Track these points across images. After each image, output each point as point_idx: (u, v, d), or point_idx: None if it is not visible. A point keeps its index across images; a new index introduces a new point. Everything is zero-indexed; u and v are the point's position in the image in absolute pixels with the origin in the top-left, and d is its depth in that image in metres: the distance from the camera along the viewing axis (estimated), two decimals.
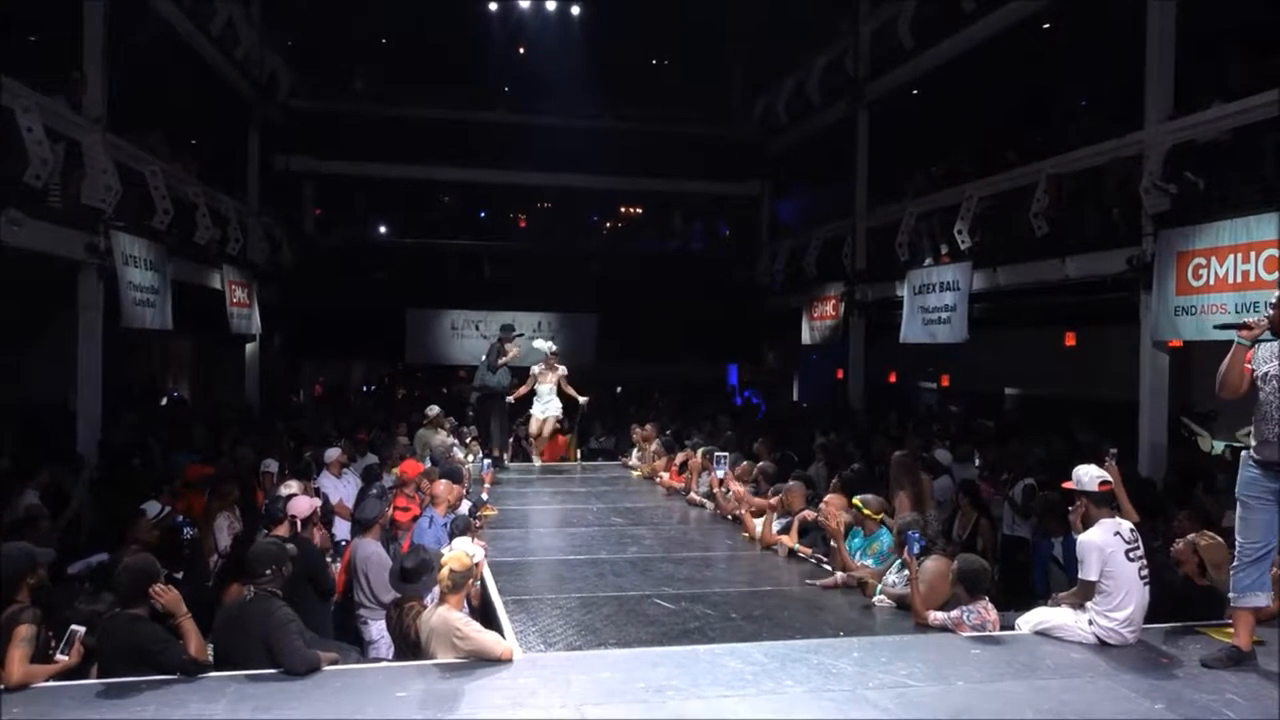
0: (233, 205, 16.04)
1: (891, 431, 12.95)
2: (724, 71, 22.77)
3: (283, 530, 6.12)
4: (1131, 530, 5.06)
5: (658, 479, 10.95)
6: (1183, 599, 5.43)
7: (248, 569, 4.93)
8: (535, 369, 11.93)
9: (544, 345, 12.23)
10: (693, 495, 9.71)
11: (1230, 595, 4.74)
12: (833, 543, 6.61)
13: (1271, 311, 4.51)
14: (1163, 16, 10.13)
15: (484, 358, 12.06)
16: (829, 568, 6.70)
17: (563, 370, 11.97)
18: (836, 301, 17.15)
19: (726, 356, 24.07)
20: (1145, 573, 4.99)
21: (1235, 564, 4.70)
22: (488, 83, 22.05)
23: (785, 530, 7.50)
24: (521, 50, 21.42)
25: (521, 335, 12.60)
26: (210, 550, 7.35)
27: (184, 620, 4.56)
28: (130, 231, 11.23)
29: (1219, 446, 10.91)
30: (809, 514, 7.35)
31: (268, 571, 4.80)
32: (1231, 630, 5.09)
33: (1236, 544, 4.71)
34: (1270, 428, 4.50)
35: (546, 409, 11.86)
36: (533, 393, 11.90)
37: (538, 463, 12.25)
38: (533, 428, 12.10)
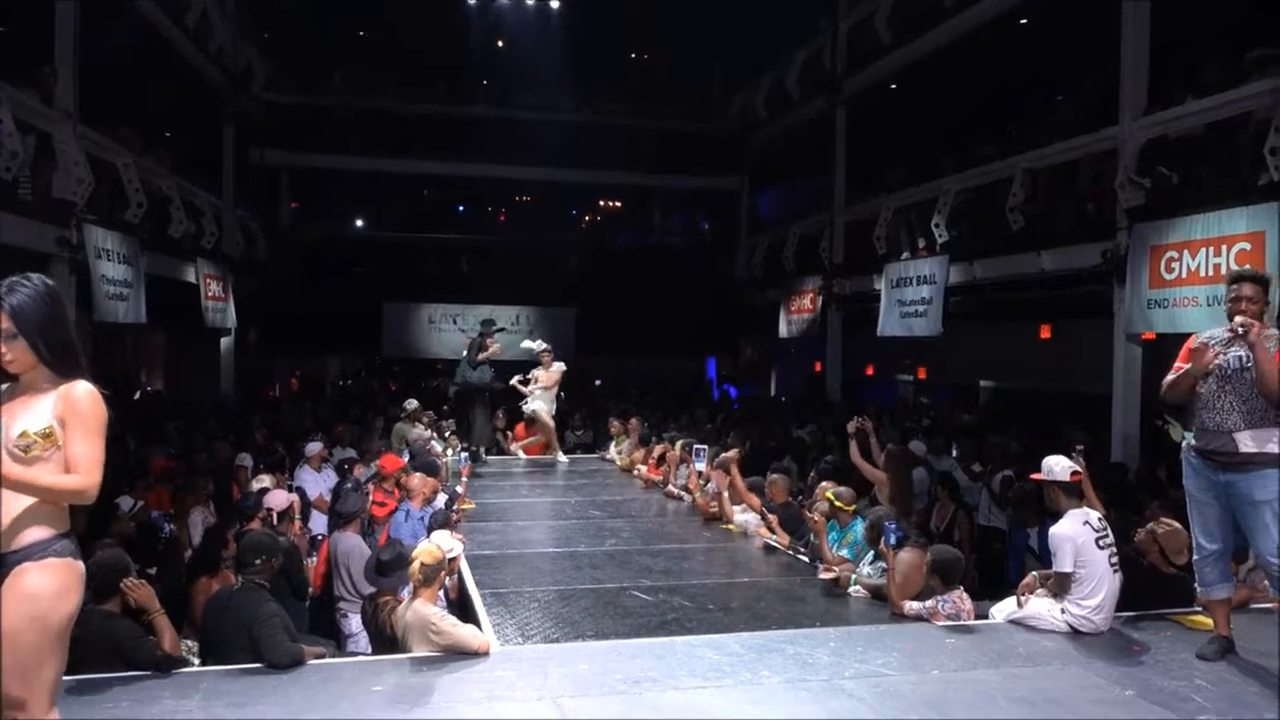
0: (207, 199, 15.92)
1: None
2: (703, 66, 22.77)
3: (254, 526, 6.08)
4: (1100, 519, 5.13)
5: (635, 472, 10.95)
6: (1151, 587, 5.50)
7: (239, 559, 4.91)
8: (536, 373, 11.69)
9: (534, 345, 11.90)
10: (670, 488, 9.71)
11: (1198, 589, 4.74)
12: (813, 536, 6.65)
13: (1228, 305, 4.50)
14: (1137, 13, 10.22)
15: (464, 354, 11.98)
16: (805, 559, 6.74)
17: (560, 366, 11.72)
18: (814, 295, 17.22)
19: (705, 350, 24.14)
20: (1115, 560, 5.06)
21: (1196, 558, 4.68)
22: (467, 76, 21.98)
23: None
24: (501, 44, 21.35)
25: (503, 330, 12.44)
26: (186, 546, 7.29)
27: (157, 616, 4.52)
28: (103, 225, 11.12)
29: (1189, 437, 11.02)
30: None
31: (257, 562, 4.78)
32: (1201, 618, 5.19)
33: (1193, 539, 4.69)
34: (1210, 416, 4.48)
35: (536, 403, 11.71)
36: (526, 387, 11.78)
37: (522, 455, 12.20)
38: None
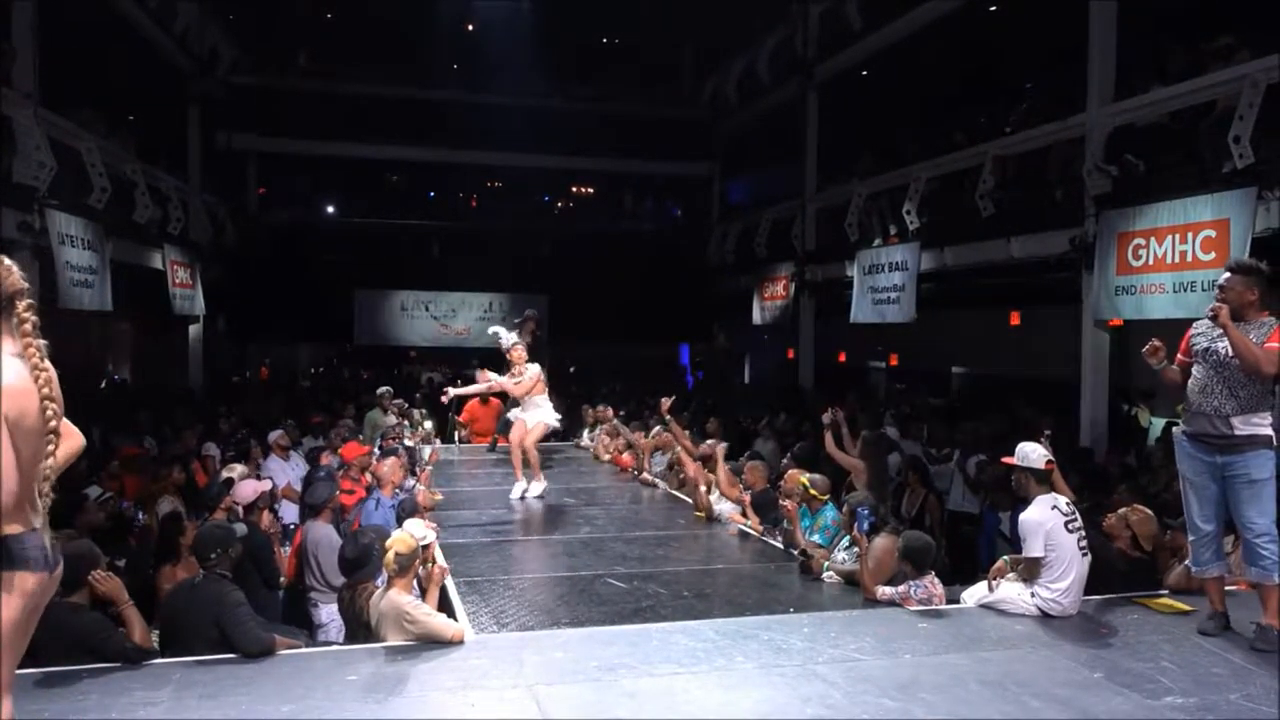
0: (173, 183, 15.68)
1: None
2: (675, 51, 22.69)
3: (219, 515, 6.02)
4: (1068, 503, 5.21)
5: (610, 459, 10.94)
6: (1118, 572, 5.59)
7: (195, 554, 4.85)
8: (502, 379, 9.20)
9: (505, 336, 9.34)
10: (645, 475, 9.72)
11: (1192, 568, 4.87)
12: (785, 522, 6.68)
13: (1219, 294, 4.61)
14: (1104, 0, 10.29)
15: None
16: (779, 545, 6.77)
17: (530, 372, 8.91)
18: (787, 281, 17.26)
19: (678, 337, 24.14)
20: (1084, 544, 5.13)
21: (1191, 539, 4.79)
22: (436, 60, 21.75)
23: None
24: (471, 28, 21.13)
25: (534, 312, 11.70)
26: (155, 536, 7.20)
27: (126, 608, 4.47)
28: (66, 210, 10.92)
29: (1158, 423, 11.19)
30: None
31: (213, 556, 4.73)
32: (1167, 601, 5.30)
33: (1188, 521, 4.80)
34: (1206, 401, 4.60)
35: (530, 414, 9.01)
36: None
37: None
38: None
